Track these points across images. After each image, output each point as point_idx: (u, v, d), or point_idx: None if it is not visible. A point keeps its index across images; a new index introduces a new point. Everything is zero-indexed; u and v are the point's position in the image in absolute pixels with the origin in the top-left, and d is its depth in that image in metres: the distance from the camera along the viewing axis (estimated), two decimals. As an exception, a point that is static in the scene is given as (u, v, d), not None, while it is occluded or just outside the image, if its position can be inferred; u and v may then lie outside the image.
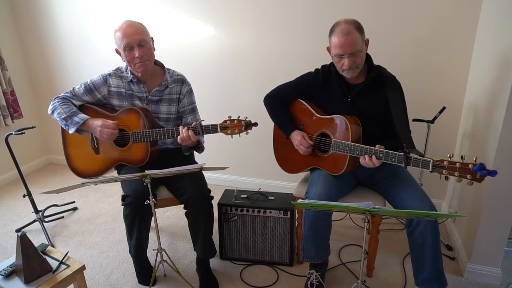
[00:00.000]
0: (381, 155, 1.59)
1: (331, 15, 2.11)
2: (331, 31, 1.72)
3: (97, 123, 1.86)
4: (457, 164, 1.38)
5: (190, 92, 2.06)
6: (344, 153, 1.73)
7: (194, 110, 2.08)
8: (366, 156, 1.63)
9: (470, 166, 1.34)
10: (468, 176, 1.35)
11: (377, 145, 1.62)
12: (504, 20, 1.78)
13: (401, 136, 1.65)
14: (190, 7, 2.76)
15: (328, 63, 1.89)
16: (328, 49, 1.79)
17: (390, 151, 1.57)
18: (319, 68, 1.91)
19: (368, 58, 1.80)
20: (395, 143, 1.71)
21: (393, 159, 1.56)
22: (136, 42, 1.80)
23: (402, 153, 1.52)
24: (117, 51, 1.90)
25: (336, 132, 1.79)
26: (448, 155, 1.41)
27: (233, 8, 2.66)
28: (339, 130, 1.78)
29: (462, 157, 1.39)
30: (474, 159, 1.34)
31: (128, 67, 1.95)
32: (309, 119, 1.92)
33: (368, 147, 1.63)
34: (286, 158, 2.05)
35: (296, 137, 1.89)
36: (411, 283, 1.97)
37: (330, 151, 1.82)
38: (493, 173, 1.30)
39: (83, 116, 1.89)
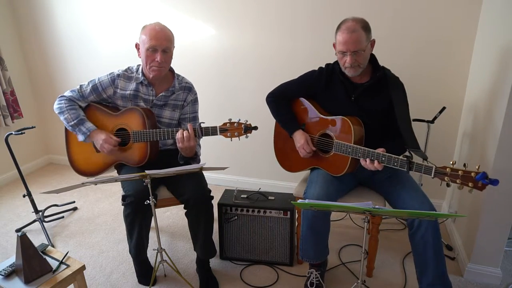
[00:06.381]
0: (383, 158, 1.58)
1: (333, 16, 2.12)
2: (338, 27, 1.73)
3: (100, 136, 1.89)
4: (460, 172, 1.36)
5: (195, 101, 2.07)
6: (346, 154, 1.73)
7: (195, 118, 2.08)
8: (367, 159, 1.62)
9: (472, 174, 1.33)
10: (470, 184, 1.34)
11: (380, 149, 1.61)
12: (504, 19, 1.78)
13: (405, 136, 1.65)
14: (191, 7, 2.76)
15: (331, 62, 1.88)
16: (334, 45, 1.78)
17: (393, 155, 1.56)
18: (323, 66, 1.90)
19: (373, 58, 1.80)
20: (398, 144, 1.71)
21: (395, 164, 1.55)
22: (163, 47, 1.82)
23: (405, 158, 1.51)
24: (137, 45, 1.90)
25: (338, 133, 1.79)
26: (451, 162, 1.39)
27: (234, 8, 2.66)
28: (341, 131, 1.77)
29: (464, 165, 1.37)
30: (477, 167, 1.33)
31: (140, 68, 1.96)
32: (312, 118, 1.91)
33: (371, 150, 1.62)
34: (286, 157, 2.05)
35: (300, 139, 1.88)
36: (411, 283, 1.97)
37: (332, 152, 1.81)
38: (495, 182, 1.29)
39: (89, 126, 1.92)
